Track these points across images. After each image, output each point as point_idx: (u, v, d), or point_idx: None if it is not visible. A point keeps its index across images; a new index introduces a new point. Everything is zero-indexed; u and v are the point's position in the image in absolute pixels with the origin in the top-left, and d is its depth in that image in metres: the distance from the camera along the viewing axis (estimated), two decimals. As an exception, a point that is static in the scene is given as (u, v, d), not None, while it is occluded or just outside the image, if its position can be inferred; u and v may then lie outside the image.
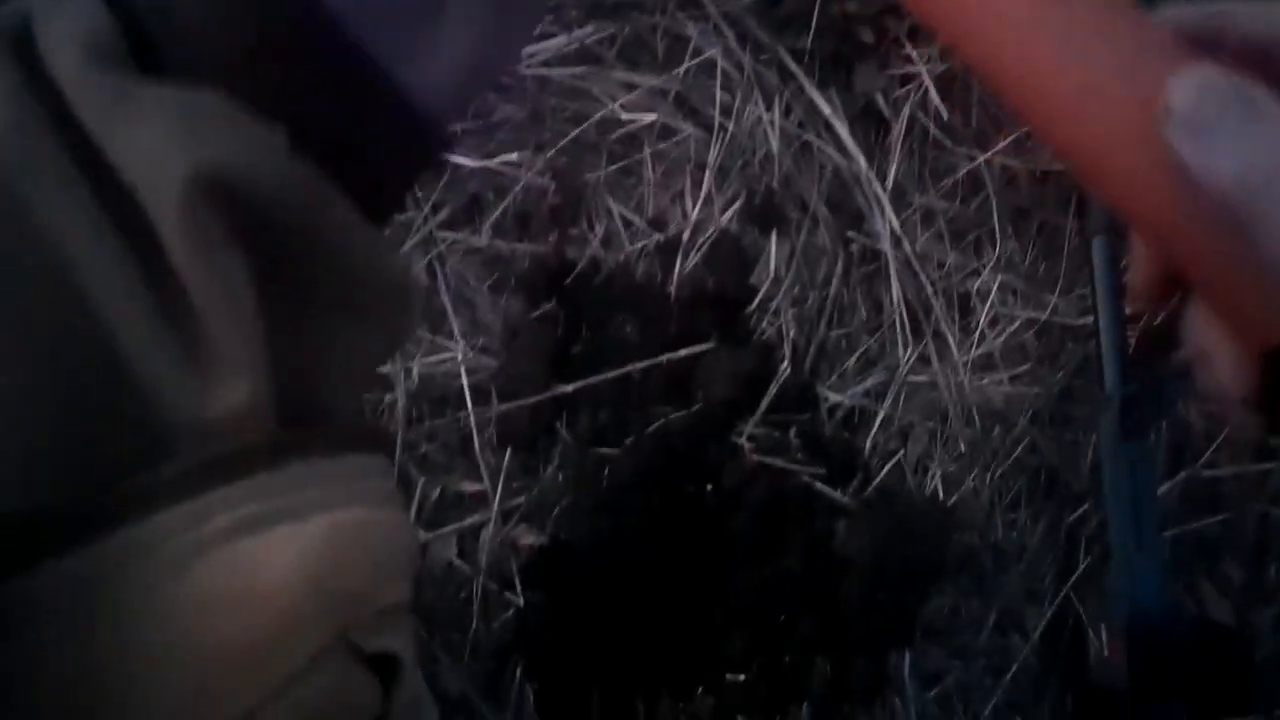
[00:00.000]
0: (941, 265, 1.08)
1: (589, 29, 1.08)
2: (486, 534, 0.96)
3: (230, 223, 0.23)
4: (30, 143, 0.22)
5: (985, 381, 1.05)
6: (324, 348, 0.26)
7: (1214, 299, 0.26)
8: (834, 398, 1.03)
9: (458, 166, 1.04)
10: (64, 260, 0.22)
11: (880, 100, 1.12)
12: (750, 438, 1.00)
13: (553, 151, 1.06)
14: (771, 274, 1.07)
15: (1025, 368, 1.06)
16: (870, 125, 1.12)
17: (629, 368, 0.99)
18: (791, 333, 1.05)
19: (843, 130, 1.10)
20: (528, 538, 0.96)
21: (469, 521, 0.97)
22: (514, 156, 1.05)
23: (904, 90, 1.12)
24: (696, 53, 1.10)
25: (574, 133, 1.06)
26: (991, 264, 1.07)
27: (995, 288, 1.06)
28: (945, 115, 1.10)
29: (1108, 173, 0.25)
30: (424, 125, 0.27)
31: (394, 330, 0.27)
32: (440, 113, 0.28)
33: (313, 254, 0.24)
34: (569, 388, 0.99)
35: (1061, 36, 0.25)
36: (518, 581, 0.96)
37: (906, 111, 1.11)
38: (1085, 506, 1.02)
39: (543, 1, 0.33)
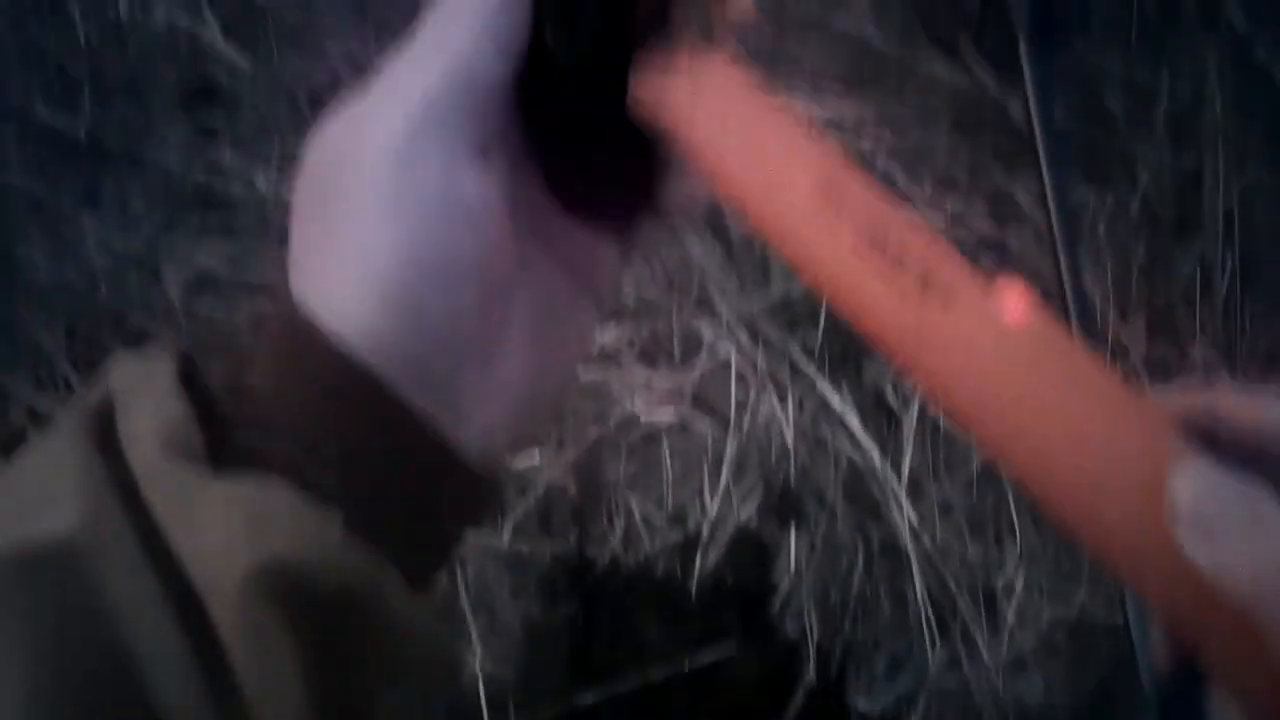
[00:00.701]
0: (963, 560, 1.08)
1: (609, 332, 1.13)
2: None
3: (286, 613, 0.24)
4: (106, 535, 0.24)
5: (1019, 683, 1.01)
6: (366, 711, 0.26)
7: (1231, 688, 0.25)
8: (864, 706, 0.99)
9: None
10: (127, 650, 0.23)
11: (890, 393, 1.15)
12: (778, 752, 0.96)
13: (574, 451, 1.08)
14: (792, 569, 1.07)
15: (1059, 668, 1.02)
16: (882, 418, 1.15)
17: (651, 677, 0.97)
18: (816, 632, 1.03)
19: (855, 424, 1.13)
20: None
21: None
22: (535, 457, 1.07)
23: (912, 384, 1.15)
24: (711, 352, 1.14)
25: (595, 432, 1.09)
26: (1014, 559, 1.07)
27: (1020, 584, 1.05)
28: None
29: (1117, 557, 0.25)
30: (476, 482, 0.28)
31: (434, 690, 0.28)
32: (493, 463, 0.29)
33: (362, 632, 0.25)
34: (589, 698, 0.96)
35: (1064, 421, 0.25)
36: None
37: (916, 404, 1.14)
38: (1138, 822, 0.96)
39: (592, 323, 0.35)
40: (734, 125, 0.29)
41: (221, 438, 0.26)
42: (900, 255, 0.27)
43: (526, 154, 0.31)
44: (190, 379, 0.27)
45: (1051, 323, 0.26)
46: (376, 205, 0.26)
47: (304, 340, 0.26)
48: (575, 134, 0.31)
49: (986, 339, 0.26)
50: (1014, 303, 0.26)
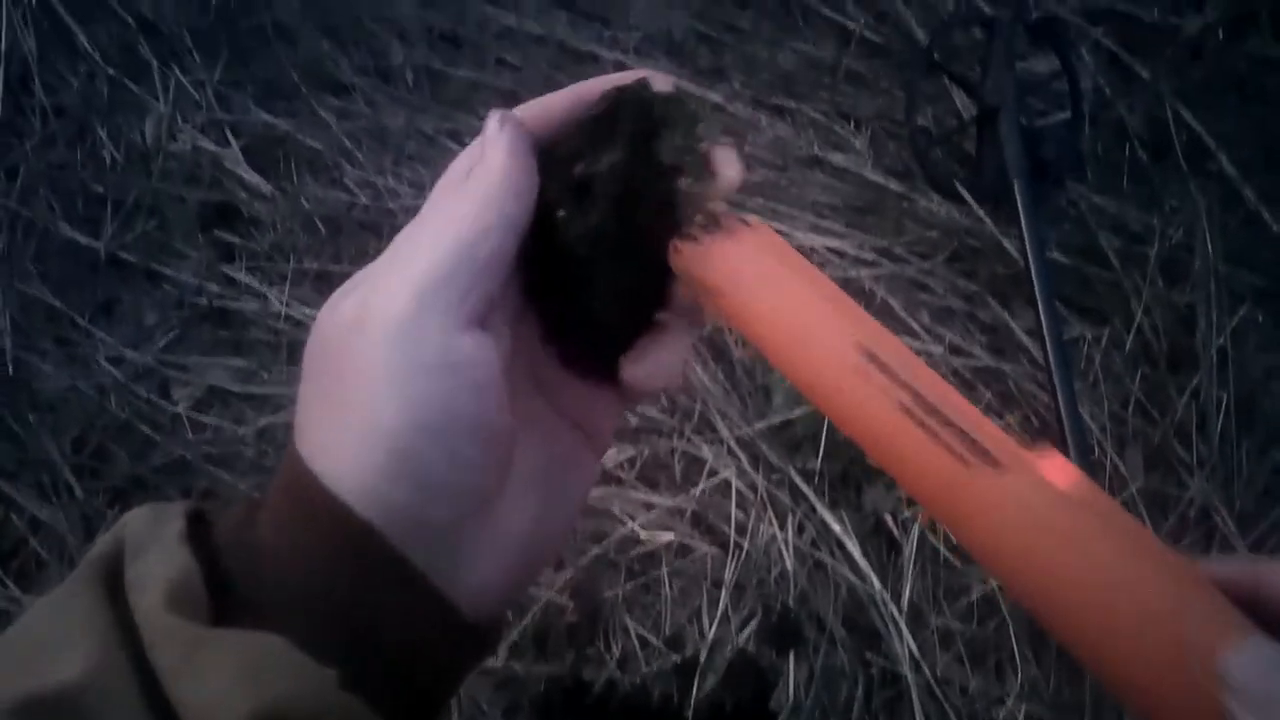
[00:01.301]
0: (964, 690, 1.06)
1: (611, 452, 1.14)
2: None
3: None
4: (108, 684, 0.25)
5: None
6: None
7: None
8: (863, 845, 0.97)
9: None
10: None
11: (889, 520, 1.15)
12: None
13: (573, 570, 1.07)
14: (791, 698, 1.05)
15: (1062, 808, 1.00)
16: (881, 544, 1.15)
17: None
18: (814, 764, 1.01)
19: (854, 549, 1.12)
20: None
21: None
22: (533, 576, 1.06)
23: (912, 510, 1.15)
24: (712, 474, 1.14)
25: (594, 551, 1.08)
26: (1015, 691, 1.05)
27: (1021, 716, 1.04)
28: (953, 537, 1.13)
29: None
30: (474, 633, 0.29)
31: None
32: (492, 614, 0.30)
33: None
34: (583, 831, 0.94)
35: (1115, 586, 0.25)
36: None
37: (915, 531, 1.14)
38: None
39: (592, 472, 0.36)
40: (775, 286, 0.30)
41: (224, 591, 0.26)
42: (949, 415, 0.27)
43: (525, 312, 0.33)
44: (199, 532, 0.28)
45: (1099, 488, 0.27)
46: (380, 371, 0.27)
47: (308, 499, 0.27)
48: (573, 294, 0.32)
49: (1039, 500, 0.26)
50: (1058, 466, 0.27)
